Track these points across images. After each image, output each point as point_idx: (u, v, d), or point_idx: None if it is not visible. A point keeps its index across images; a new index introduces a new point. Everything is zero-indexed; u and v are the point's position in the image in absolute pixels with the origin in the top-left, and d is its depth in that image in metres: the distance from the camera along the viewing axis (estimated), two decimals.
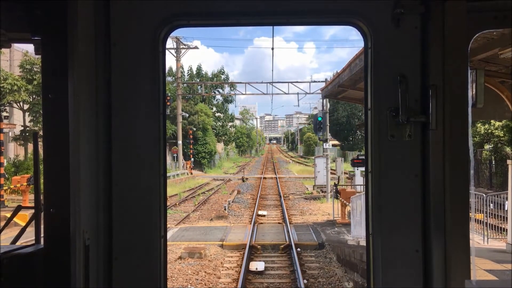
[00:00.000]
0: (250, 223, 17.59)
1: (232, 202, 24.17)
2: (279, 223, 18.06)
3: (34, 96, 25.22)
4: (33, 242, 1.94)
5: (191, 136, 45.10)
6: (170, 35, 2.21)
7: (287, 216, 19.42)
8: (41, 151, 1.92)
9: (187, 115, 46.25)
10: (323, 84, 37.37)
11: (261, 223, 18.09)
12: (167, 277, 2.18)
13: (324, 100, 36.86)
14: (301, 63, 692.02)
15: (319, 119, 25.34)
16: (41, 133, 1.96)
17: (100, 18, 1.98)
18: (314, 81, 37.37)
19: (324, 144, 25.63)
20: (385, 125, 1.97)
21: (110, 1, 2.01)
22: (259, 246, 13.79)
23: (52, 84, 1.78)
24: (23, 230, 2.07)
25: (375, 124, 1.99)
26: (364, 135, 2.14)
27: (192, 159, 44.19)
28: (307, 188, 30.78)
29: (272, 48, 32.33)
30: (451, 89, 1.89)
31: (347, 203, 16.69)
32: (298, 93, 37.30)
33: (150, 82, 2.04)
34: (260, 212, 20.53)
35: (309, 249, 13.91)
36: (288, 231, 15.80)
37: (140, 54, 2.03)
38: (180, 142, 41.35)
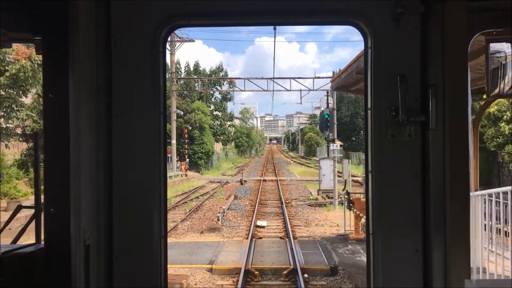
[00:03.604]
0: (247, 238, 14.92)
1: (228, 209, 21.49)
2: (281, 237, 15.36)
3: (6, 90, 22.47)
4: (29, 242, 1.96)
5: (186, 136, 42.40)
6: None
7: (290, 227, 16.75)
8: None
9: (182, 112, 43.55)
10: (327, 80, 34.71)
11: (260, 237, 15.39)
12: (168, 276, 2.12)
13: (329, 98, 34.29)
14: (302, 63, 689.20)
15: (326, 116, 22.64)
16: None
17: (100, 18, 1.96)
18: (318, 77, 34.64)
19: (331, 144, 22.91)
20: (385, 125, 1.96)
21: (111, 1, 2.00)
22: (256, 272, 11.08)
23: (52, 84, 1.76)
24: (23, 230, 2.04)
25: (375, 124, 1.98)
26: (364, 135, 2.13)
27: (187, 159, 41.49)
28: (310, 193, 28.11)
29: (274, 39, 29.83)
30: (451, 89, 1.86)
31: (362, 215, 14.02)
32: (301, 90, 34.55)
33: (150, 82, 2.02)
34: (259, 223, 17.85)
35: (319, 275, 11.22)
36: (292, 249, 13.14)
37: (140, 54, 2.02)
38: (174, 141, 38.65)
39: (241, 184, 34.00)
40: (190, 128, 44.76)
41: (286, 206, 22.26)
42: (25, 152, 24.42)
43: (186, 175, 38.84)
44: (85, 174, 1.82)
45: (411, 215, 1.95)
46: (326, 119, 22.34)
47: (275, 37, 31.05)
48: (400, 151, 1.95)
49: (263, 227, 17.42)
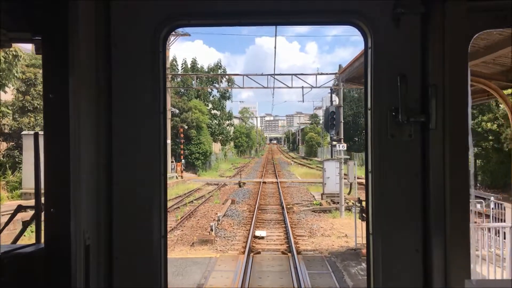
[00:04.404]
0: (244, 253, 12.97)
1: (224, 216, 19.53)
2: (282, 252, 13.39)
3: None
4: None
5: (181, 135, 40.40)
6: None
7: (293, 238, 14.81)
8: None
9: (177, 111, 41.56)
10: (330, 78, 32.75)
11: (258, 252, 13.42)
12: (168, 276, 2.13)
13: (333, 95, 32.37)
14: (303, 63, 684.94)
15: (331, 114, 20.62)
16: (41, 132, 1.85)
17: (100, 18, 1.96)
18: (322, 73, 32.48)
19: (338, 145, 20.91)
20: (385, 125, 1.96)
21: (111, 1, 2.00)
22: None
23: (52, 84, 1.76)
24: (23, 230, 2.08)
25: (375, 124, 1.98)
26: (364, 135, 2.14)
27: (183, 160, 39.52)
28: (313, 197, 26.17)
29: (275, 35, 28.13)
30: (451, 89, 1.86)
31: None
32: (303, 87, 32.56)
33: (150, 82, 2.02)
34: (257, 233, 15.90)
35: None
36: (296, 267, 11.20)
37: (140, 54, 2.02)
38: (169, 141, 36.65)
39: (240, 186, 32.04)
40: (186, 127, 42.80)
41: (287, 212, 20.33)
42: (3, 153, 22.42)
43: (181, 176, 36.87)
44: (85, 173, 1.81)
45: (411, 215, 1.94)
46: (332, 117, 20.35)
47: (276, 33, 29.35)
48: (400, 151, 1.96)
49: (262, 237, 15.48)
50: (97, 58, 1.92)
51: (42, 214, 1.77)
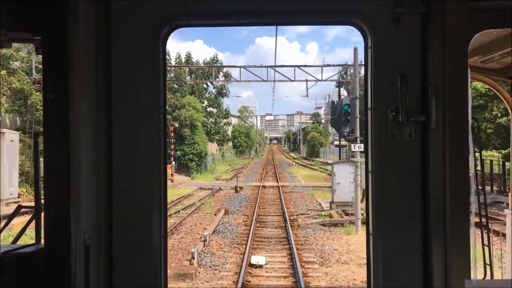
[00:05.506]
0: None
1: (213, 233, 15.92)
2: None
3: None
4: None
5: (172, 134, 36.76)
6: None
7: (300, 268, 11.22)
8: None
9: (168, 108, 37.97)
10: (337, 69, 29.26)
11: None
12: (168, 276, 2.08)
13: (341, 89, 28.76)
14: (303, 63, 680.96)
15: (345, 107, 16.97)
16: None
17: (100, 18, 1.99)
18: (328, 65, 29.03)
19: (353, 145, 17.25)
20: (386, 125, 1.98)
21: (110, 1, 2.03)
22: None
23: (52, 84, 1.77)
24: (23, 230, 2.08)
25: (375, 124, 2.00)
26: (364, 135, 2.15)
27: (173, 162, 35.90)
28: (320, 205, 22.56)
29: (276, 30, 25.18)
30: (451, 89, 1.88)
31: None
32: (307, 80, 28.98)
33: (150, 82, 2.04)
34: (254, 259, 12.26)
35: None
36: None
37: (140, 54, 2.04)
38: None
39: (236, 192, 28.46)
40: (178, 126, 39.21)
41: (291, 227, 16.76)
42: None
43: (172, 180, 33.25)
44: (85, 174, 1.82)
45: (411, 215, 1.97)
46: (346, 111, 16.70)
47: (276, 33, 26.24)
48: (400, 151, 1.97)
49: (261, 266, 11.86)
50: (97, 58, 1.94)
51: (42, 214, 1.74)
